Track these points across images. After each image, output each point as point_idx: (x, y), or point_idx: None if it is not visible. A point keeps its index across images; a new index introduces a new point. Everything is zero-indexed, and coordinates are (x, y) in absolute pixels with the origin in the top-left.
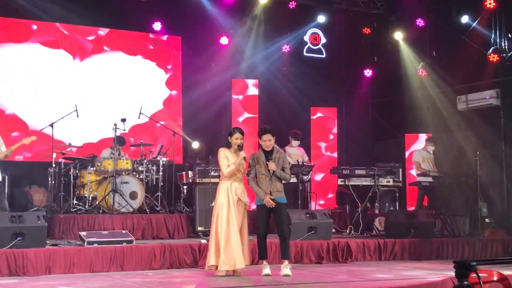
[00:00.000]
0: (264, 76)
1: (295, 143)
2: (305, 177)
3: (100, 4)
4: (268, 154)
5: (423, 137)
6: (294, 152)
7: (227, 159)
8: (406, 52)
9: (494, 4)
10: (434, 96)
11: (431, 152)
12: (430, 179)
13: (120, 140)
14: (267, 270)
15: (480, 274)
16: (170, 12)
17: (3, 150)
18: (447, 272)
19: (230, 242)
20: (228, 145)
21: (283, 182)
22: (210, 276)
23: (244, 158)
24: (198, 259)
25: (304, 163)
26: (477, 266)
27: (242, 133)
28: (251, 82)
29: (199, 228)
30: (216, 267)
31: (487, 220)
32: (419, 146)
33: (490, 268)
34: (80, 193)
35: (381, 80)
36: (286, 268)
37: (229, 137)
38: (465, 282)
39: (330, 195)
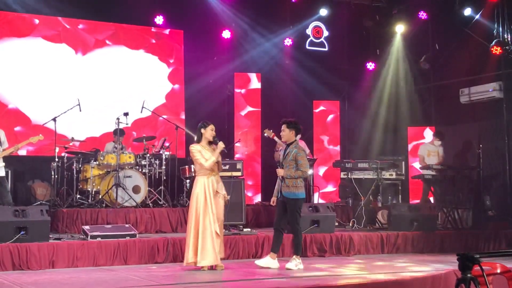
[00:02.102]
0: (267, 69)
1: (296, 136)
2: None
3: None
4: (287, 147)
5: (426, 130)
6: None
7: (200, 153)
8: (398, 46)
9: None
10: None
11: (438, 145)
12: (432, 172)
13: (120, 132)
14: (260, 261)
15: (483, 267)
16: (172, 6)
17: (6, 146)
18: (450, 265)
19: (208, 238)
20: (199, 140)
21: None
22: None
23: (224, 149)
24: None
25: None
26: (481, 258)
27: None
28: (253, 75)
29: None
30: (195, 263)
31: (490, 212)
32: (425, 140)
33: (493, 260)
34: (83, 187)
35: (384, 73)
36: (289, 262)
37: (202, 130)
38: (469, 275)
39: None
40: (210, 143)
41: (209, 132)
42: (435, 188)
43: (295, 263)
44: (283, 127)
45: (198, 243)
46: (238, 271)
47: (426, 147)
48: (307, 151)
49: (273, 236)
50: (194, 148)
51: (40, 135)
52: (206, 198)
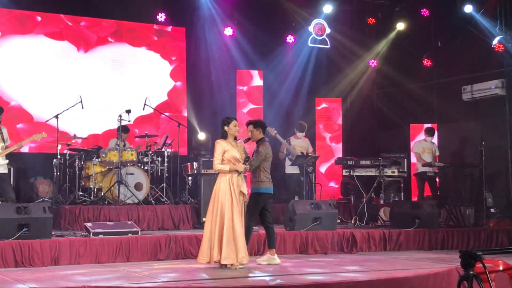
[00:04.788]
0: (269, 66)
1: (300, 134)
2: (309, 168)
3: None
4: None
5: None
6: (299, 144)
7: (223, 149)
8: (394, 43)
9: None
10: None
11: (431, 142)
12: (430, 169)
13: (123, 128)
14: (261, 259)
15: (485, 264)
16: (174, 3)
17: (8, 143)
18: (452, 262)
19: (235, 235)
20: (224, 136)
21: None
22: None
23: (247, 157)
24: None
25: (309, 154)
26: (483, 255)
27: (251, 123)
28: (255, 73)
29: (204, 219)
30: (219, 261)
31: (492, 210)
32: (421, 137)
33: (495, 258)
34: (85, 185)
35: (386, 71)
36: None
37: (225, 127)
38: (471, 272)
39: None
40: (235, 138)
41: (232, 128)
42: (433, 185)
43: (265, 258)
44: (250, 127)
45: (222, 241)
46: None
47: (421, 144)
48: (311, 149)
49: (265, 233)
50: (219, 143)
51: (43, 133)
52: (232, 194)
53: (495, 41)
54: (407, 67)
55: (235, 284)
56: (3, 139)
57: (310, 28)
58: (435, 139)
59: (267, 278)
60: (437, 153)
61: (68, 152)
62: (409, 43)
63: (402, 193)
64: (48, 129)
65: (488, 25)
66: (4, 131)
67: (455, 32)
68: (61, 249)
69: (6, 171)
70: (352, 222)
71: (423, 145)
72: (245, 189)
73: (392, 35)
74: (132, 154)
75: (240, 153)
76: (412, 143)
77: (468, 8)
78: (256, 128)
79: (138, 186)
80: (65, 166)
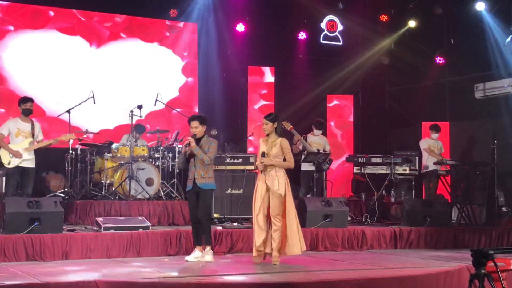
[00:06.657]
0: (280, 63)
1: (317, 132)
2: (324, 166)
3: None
4: (198, 142)
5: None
6: (316, 141)
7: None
8: (405, 39)
9: None
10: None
11: (436, 139)
12: (439, 167)
13: (139, 128)
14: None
15: (497, 263)
16: None
17: (40, 139)
18: (463, 260)
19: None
20: None
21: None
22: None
23: (263, 153)
24: (214, 245)
25: (324, 152)
26: (495, 254)
27: (266, 117)
28: (267, 69)
29: (215, 215)
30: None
31: (504, 209)
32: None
33: (507, 257)
34: (96, 179)
35: (398, 68)
36: (190, 255)
37: None
38: (482, 271)
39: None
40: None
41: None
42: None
43: (195, 255)
44: (196, 123)
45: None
46: (250, 264)
47: (427, 142)
48: (328, 147)
49: (193, 230)
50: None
51: (73, 134)
52: (256, 190)
53: (508, 39)
54: (420, 65)
55: (249, 280)
56: (33, 134)
57: (322, 25)
58: (445, 137)
59: (274, 276)
60: (442, 151)
61: (80, 147)
62: (422, 40)
63: (413, 191)
64: (60, 124)
65: (501, 23)
66: (37, 126)
67: (468, 29)
68: (72, 244)
69: (32, 165)
70: (363, 219)
71: (429, 142)
72: (274, 185)
73: (401, 31)
74: (143, 150)
75: (267, 149)
76: None
77: (480, 6)
78: (202, 125)
79: (149, 182)
80: (77, 161)
